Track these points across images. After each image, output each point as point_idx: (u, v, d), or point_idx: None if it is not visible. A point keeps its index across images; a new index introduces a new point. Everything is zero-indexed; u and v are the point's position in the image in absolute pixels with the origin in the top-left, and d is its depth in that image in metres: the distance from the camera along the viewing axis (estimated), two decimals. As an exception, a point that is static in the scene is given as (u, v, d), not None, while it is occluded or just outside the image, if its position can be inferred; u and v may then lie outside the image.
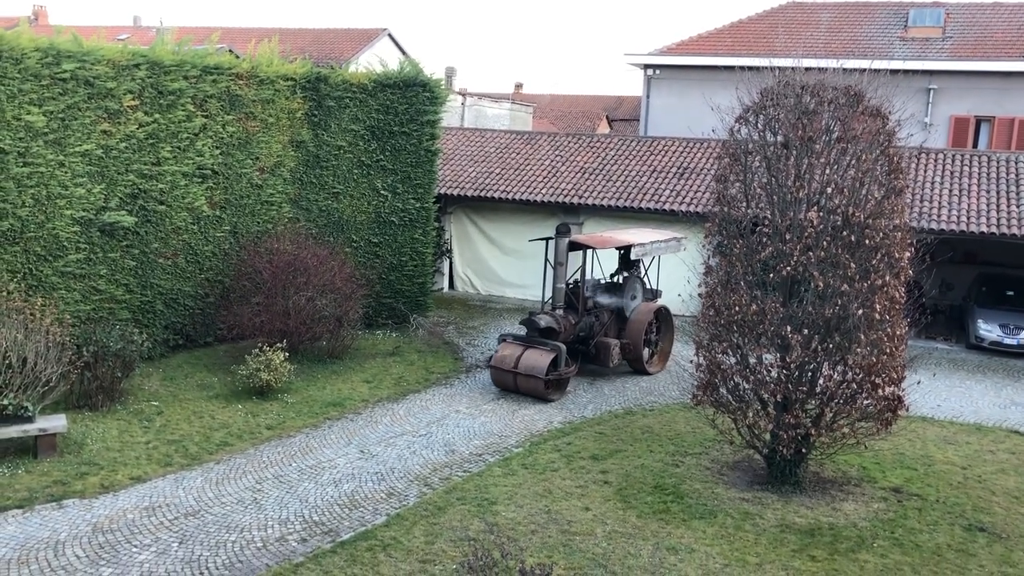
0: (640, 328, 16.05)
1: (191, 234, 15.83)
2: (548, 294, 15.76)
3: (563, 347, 14.53)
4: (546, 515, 10.05)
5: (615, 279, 17.07)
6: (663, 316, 16.93)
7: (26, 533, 9.13)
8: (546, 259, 16.05)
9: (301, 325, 15.50)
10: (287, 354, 14.21)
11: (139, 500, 10.05)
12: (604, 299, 16.33)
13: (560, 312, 15.22)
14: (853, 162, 10.51)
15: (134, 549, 8.92)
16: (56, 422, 11.19)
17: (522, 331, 15.20)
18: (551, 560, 8.79)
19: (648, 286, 17.22)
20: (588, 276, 16.21)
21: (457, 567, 8.58)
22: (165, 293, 15.53)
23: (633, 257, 16.33)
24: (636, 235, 16.95)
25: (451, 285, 24.32)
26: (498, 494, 10.59)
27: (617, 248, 16.59)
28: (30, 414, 10.97)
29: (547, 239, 16.12)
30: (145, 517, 9.63)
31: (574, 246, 15.51)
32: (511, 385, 14.63)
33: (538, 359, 14.31)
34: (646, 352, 16.52)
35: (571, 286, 15.86)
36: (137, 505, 9.91)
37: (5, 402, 10.83)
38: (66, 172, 13.71)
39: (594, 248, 15.82)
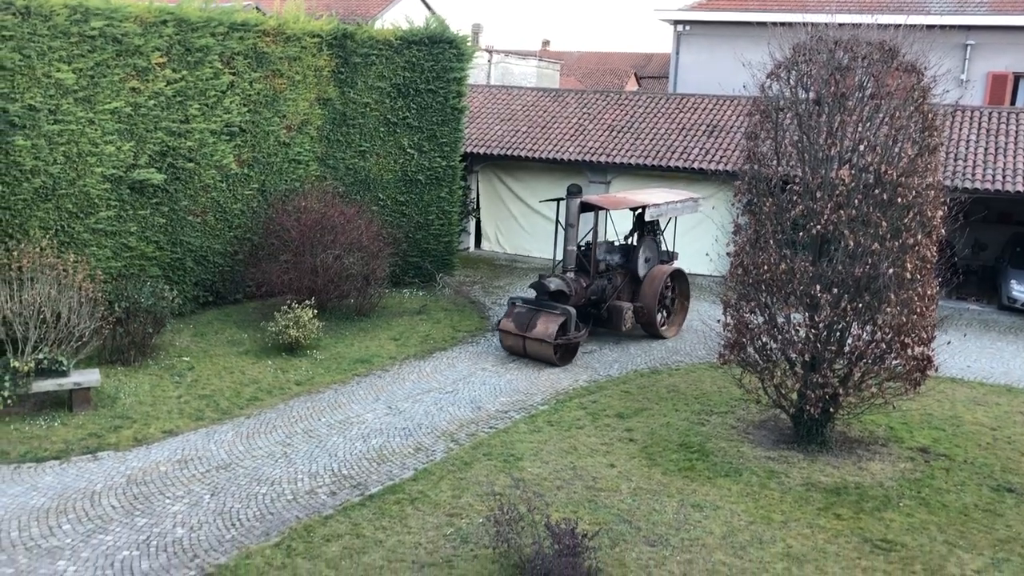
0: (654, 291, 15.58)
1: (220, 192, 15.92)
2: (559, 256, 15.46)
3: (573, 311, 14.19)
4: (571, 471, 10.13)
5: (629, 240, 16.67)
6: (679, 279, 16.52)
7: (63, 484, 9.36)
8: (557, 220, 15.77)
9: (329, 283, 15.60)
10: (315, 311, 14.34)
11: (171, 453, 10.25)
12: (616, 261, 15.99)
13: (571, 275, 14.87)
14: (886, 119, 10.33)
15: (167, 500, 9.12)
16: (90, 376, 11.40)
17: (532, 294, 14.95)
18: (576, 515, 8.88)
19: (663, 248, 16.80)
20: (601, 238, 15.83)
21: (483, 520, 8.69)
22: (195, 250, 15.68)
23: (648, 218, 15.83)
24: (650, 196, 16.47)
25: (477, 244, 24.32)
26: (524, 450, 10.68)
27: (631, 209, 16.09)
28: (64, 368, 11.18)
29: (558, 200, 15.76)
30: (178, 469, 9.83)
31: (586, 207, 15.07)
32: (520, 350, 14.33)
33: (547, 323, 14.01)
34: (661, 315, 16.20)
35: (583, 248, 15.50)
36: (170, 458, 10.12)
37: (40, 356, 11.05)
38: (96, 130, 13.80)
39: (607, 209, 15.43)
